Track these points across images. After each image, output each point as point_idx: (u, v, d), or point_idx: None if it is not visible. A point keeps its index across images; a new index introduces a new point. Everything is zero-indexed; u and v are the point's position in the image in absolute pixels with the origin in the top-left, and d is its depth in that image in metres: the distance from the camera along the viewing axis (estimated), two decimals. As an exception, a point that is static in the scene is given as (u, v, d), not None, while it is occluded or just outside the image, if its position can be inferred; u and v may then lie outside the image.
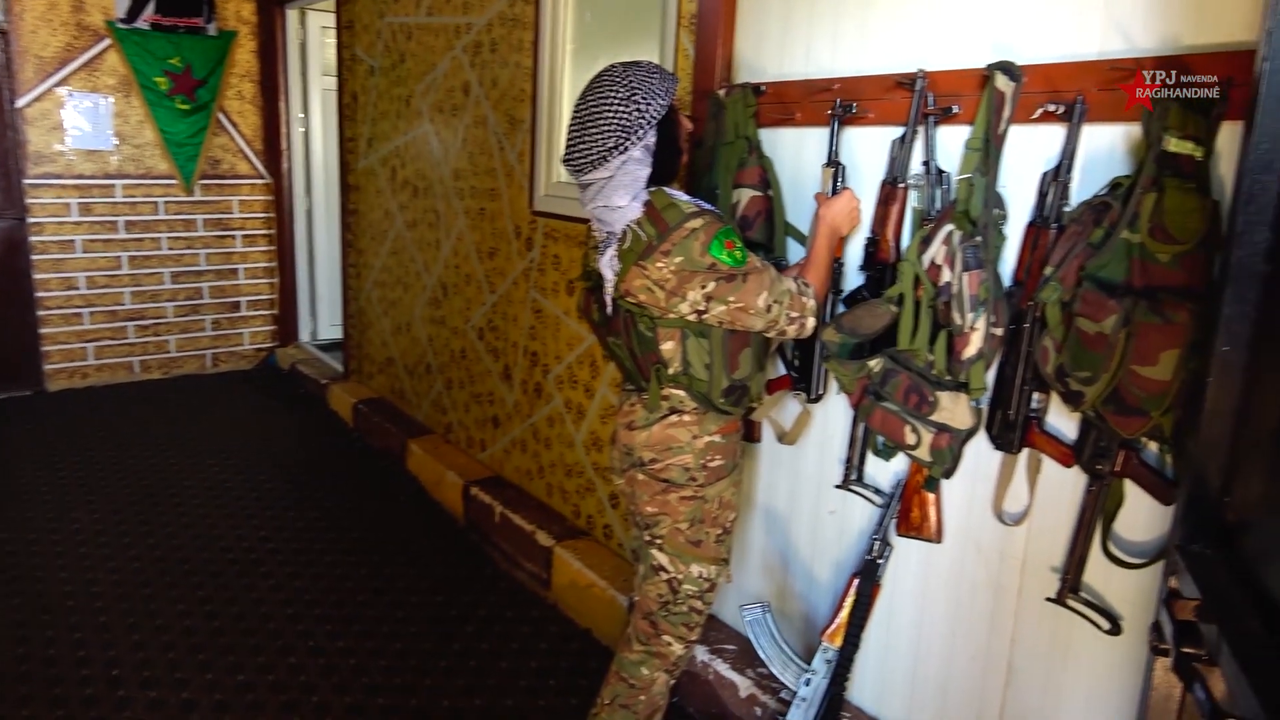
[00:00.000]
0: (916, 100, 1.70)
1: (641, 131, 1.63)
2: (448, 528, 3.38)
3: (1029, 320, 1.54)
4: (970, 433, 1.63)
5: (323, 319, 5.51)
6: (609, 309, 1.79)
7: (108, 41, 4.67)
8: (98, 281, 4.87)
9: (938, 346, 1.62)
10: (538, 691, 2.39)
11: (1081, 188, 1.51)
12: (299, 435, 4.35)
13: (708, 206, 1.69)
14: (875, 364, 1.71)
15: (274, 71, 5.10)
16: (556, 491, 3.08)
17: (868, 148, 1.87)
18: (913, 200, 1.76)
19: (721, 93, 2.05)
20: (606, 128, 1.62)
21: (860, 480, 1.95)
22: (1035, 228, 1.55)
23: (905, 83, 1.73)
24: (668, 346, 1.72)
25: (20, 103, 4.51)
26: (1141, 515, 1.49)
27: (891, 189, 1.77)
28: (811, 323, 1.72)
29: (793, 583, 2.18)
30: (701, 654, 2.25)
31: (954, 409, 1.62)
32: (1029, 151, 1.58)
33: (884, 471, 1.93)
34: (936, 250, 1.61)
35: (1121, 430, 1.40)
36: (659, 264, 1.62)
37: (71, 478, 3.68)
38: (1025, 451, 1.63)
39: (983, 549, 1.74)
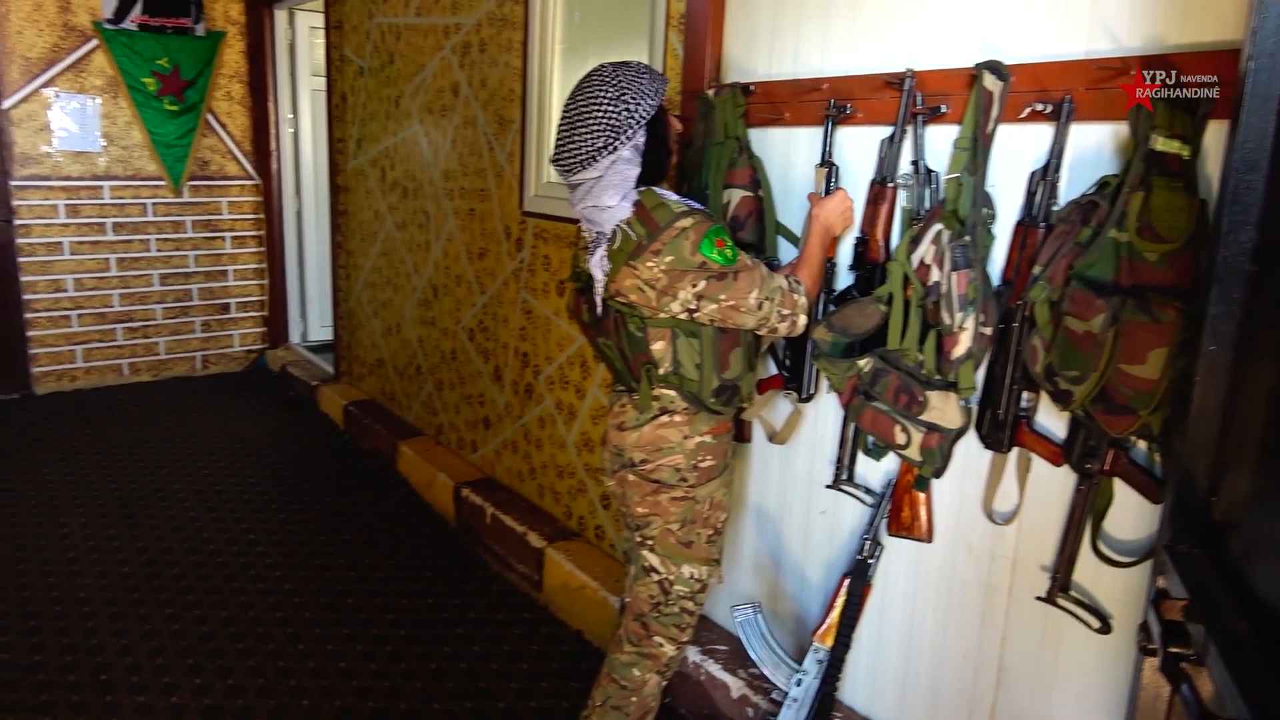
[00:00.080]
0: (905, 100, 1.70)
1: (631, 131, 1.63)
2: (439, 530, 3.37)
3: (1018, 319, 1.54)
4: (960, 432, 1.63)
5: (313, 320, 5.50)
6: (599, 309, 1.79)
7: (95, 42, 4.64)
8: (86, 284, 4.84)
9: (927, 346, 1.63)
10: (529, 694, 2.38)
11: (1069, 187, 1.51)
12: (289, 437, 4.33)
13: (697, 206, 1.69)
14: (865, 363, 1.71)
15: (263, 72, 5.07)
16: (548, 493, 3.08)
17: (856, 147, 1.87)
18: (901, 200, 1.76)
19: (710, 93, 2.05)
20: (596, 128, 1.62)
21: (851, 480, 1.95)
22: (1023, 227, 1.55)
23: (894, 82, 1.72)
24: (658, 346, 1.71)
25: (6, 104, 4.48)
26: (1131, 514, 1.49)
27: (880, 188, 1.77)
28: (803, 320, 1.72)
29: (784, 583, 2.18)
30: (693, 655, 2.25)
31: (944, 408, 1.61)
32: (1017, 151, 1.58)
33: (875, 471, 1.93)
34: (925, 250, 1.61)
35: (1110, 429, 1.40)
36: (649, 264, 1.62)
37: (59, 481, 3.66)
38: (1015, 450, 1.63)
39: (973, 548, 1.74)
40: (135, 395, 4.88)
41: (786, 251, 2.02)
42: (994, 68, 1.53)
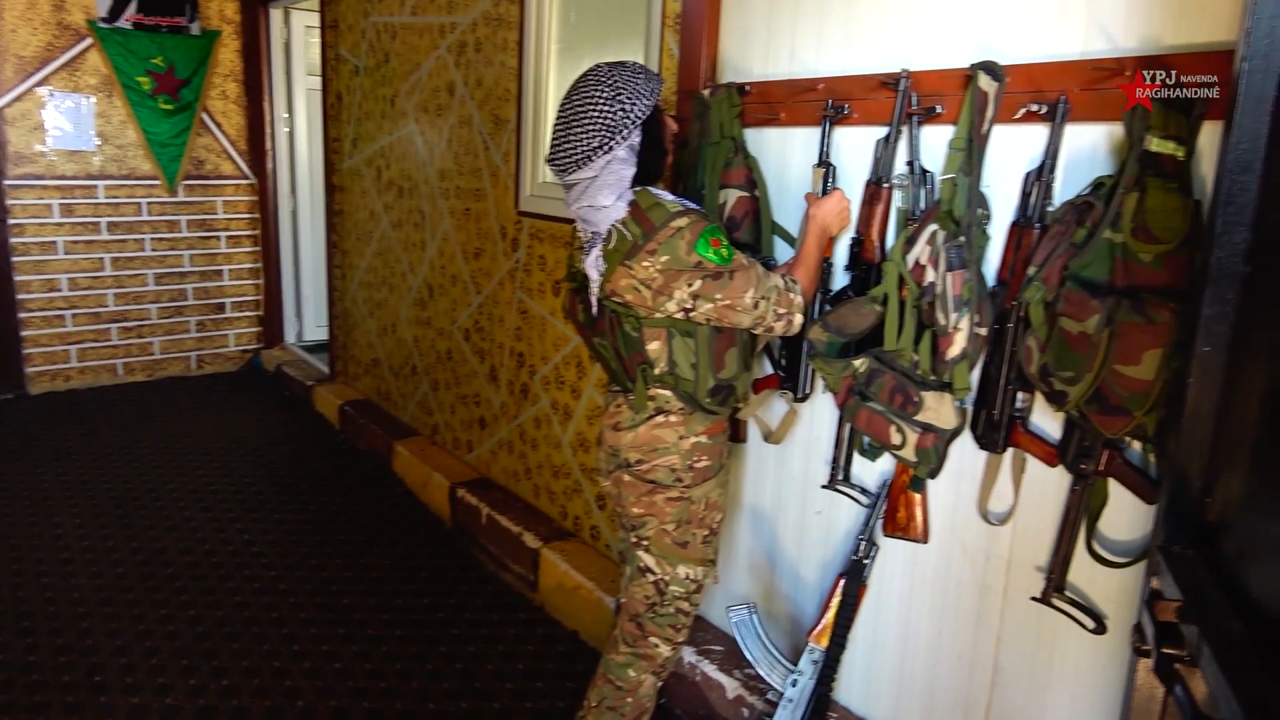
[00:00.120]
0: (900, 100, 1.70)
1: (626, 131, 1.63)
2: (434, 530, 3.36)
3: (1013, 320, 1.54)
4: (955, 433, 1.63)
5: (308, 320, 5.49)
6: (594, 310, 1.79)
7: (89, 41, 4.63)
8: (80, 283, 4.83)
9: (922, 346, 1.63)
10: (524, 694, 2.38)
11: (1064, 187, 1.51)
12: (284, 437, 4.32)
13: (693, 206, 1.68)
14: (860, 364, 1.71)
15: (258, 71, 5.06)
16: (544, 493, 3.07)
17: (851, 147, 1.87)
18: (897, 200, 1.76)
19: (706, 93, 2.05)
20: (591, 127, 1.62)
21: (846, 480, 1.95)
22: (1019, 227, 1.55)
23: (889, 83, 1.72)
24: (653, 346, 1.71)
25: (0, 103, 4.46)
26: (1125, 514, 1.50)
27: (876, 189, 1.77)
28: (799, 319, 1.72)
29: (779, 583, 2.18)
30: (689, 655, 2.25)
31: (939, 409, 1.62)
32: (1012, 151, 1.58)
33: (870, 472, 1.93)
34: (921, 250, 1.61)
35: (1105, 430, 1.40)
36: (645, 263, 1.62)
37: (54, 481, 3.65)
38: (1010, 451, 1.63)
39: (968, 549, 1.74)
40: (130, 395, 4.87)
41: (783, 252, 2.02)
42: (989, 68, 1.53)
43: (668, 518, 1.79)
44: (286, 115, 5.21)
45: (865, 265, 1.81)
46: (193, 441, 4.18)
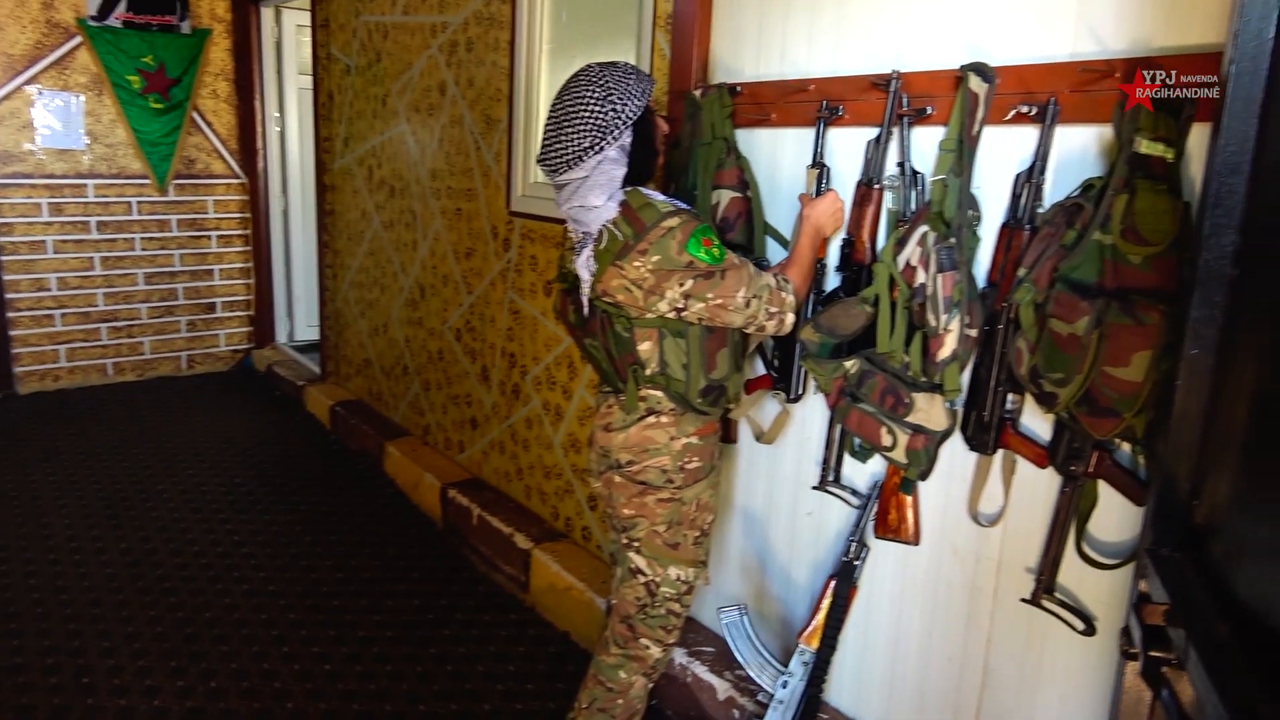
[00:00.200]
0: (891, 101, 1.70)
1: (617, 132, 1.63)
2: (425, 530, 3.35)
3: (1003, 322, 1.54)
4: (945, 434, 1.63)
5: (299, 320, 5.46)
6: (586, 310, 1.78)
7: (79, 39, 4.60)
8: (70, 283, 4.80)
9: (913, 348, 1.63)
10: (515, 695, 2.37)
11: (1054, 189, 1.51)
12: (275, 438, 4.30)
13: (684, 206, 1.68)
14: (851, 365, 1.71)
15: (249, 70, 5.04)
16: (535, 494, 3.07)
17: (842, 148, 1.87)
18: (888, 201, 1.76)
19: (698, 93, 2.04)
20: (582, 128, 1.62)
21: (837, 482, 1.95)
22: (1009, 229, 1.55)
23: (880, 84, 1.72)
24: (645, 347, 1.71)
25: (-11, 101, 4.44)
26: (1115, 516, 1.50)
27: (867, 190, 1.77)
28: (790, 319, 1.72)
29: (770, 585, 2.18)
30: (680, 656, 2.25)
31: (929, 410, 1.61)
32: (1002, 153, 1.58)
33: (861, 473, 1.93)
34: (911, 252, 1.61)
35: (1094, 431, 1.40)
36: (636, 263, 1.61)
37: (42, 481, 3.63)
38: (1000, 453, 1.63)
39: (959, 550, 1.74)
40: (119, 395, 4.84)
41: (775, 253, 2.02)
42: (979, 69, 1.53)
43: (659, 519, 1.79)
44: (278, 114, 5.18)
45: (856, 266, 1.81)
46: (183, 442, 4.16)
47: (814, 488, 1.98)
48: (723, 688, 2.14)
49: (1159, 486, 1.00)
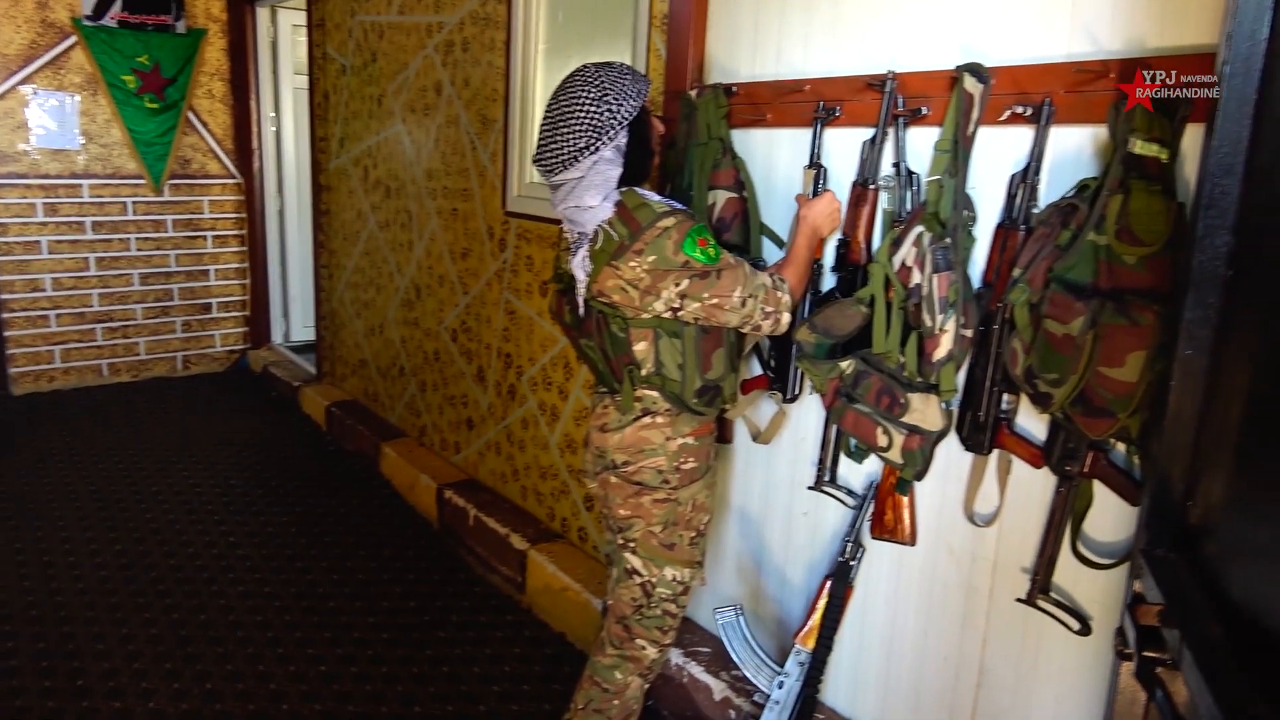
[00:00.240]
0: (886, 102, 1.70)
1: (613, 132, 1.63)
2: (421, 532, 3.35)
3: (998, 322, 1.54)
4: (941, 434, 1.63)
5: (295, 321, 5.45)
6: (581, 310, 1.78)
7: (74, 39, 4.59)
8: (64, 283, 4.79)
9: (909, 348, 1.62)
10: (511, 697, 2.37)
11: (1049, 189, 1.51)
12: (271, 439, 4.29)
13: (679, 206, 1.68)
14: (847, 365, 1.71)
15: (244, 70, 5.03)
16: (531, 494, 3.07)
17: (838, 149, 1.87)
18: (883, 202, 1.76)
19: (693, 93, 2.04)
20: (578, 128, 1.62)
21: (833, 482, 1.95)
22: (1004, 229, 1.55)
23: (875, 84, 1.72)
24: (640, 347, 1.71)
25: (-17, 101, 4.43)
26: (1110, 516, 1.50)
27: (862, 190, 1.77)
28: (786, 318, 1.72)
29: (766, 585, 2.18)
30: (676, 657, 2.25)
31: (925, 411, 1.61)
32: (997, 153, 1.58)
33: (857, 473, 1.93)
34: (907, 252, 1.61)
35: (1089, 432, 1.40)
36: (632, 263, 1.61)
37: (37, 483, 3.62)
38: (995, 453, 1.63)
39: (954, 550, 1.75)
40: (115, 396, 4.83)
41: (771, 253, 2.02)
42: (974, 70, 1.53)
43: (654, 519, 1.79)
44: (273, 114, 5.18)
45: (851, 267, 1.81)
46: (178, 443, 4.15)
47: (810, 488, 1.98)
48: (719, 688, 2.14)
49: (1153, 487, 1.00)
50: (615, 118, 1.62)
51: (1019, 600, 1.61)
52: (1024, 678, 1.65)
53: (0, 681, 2.33)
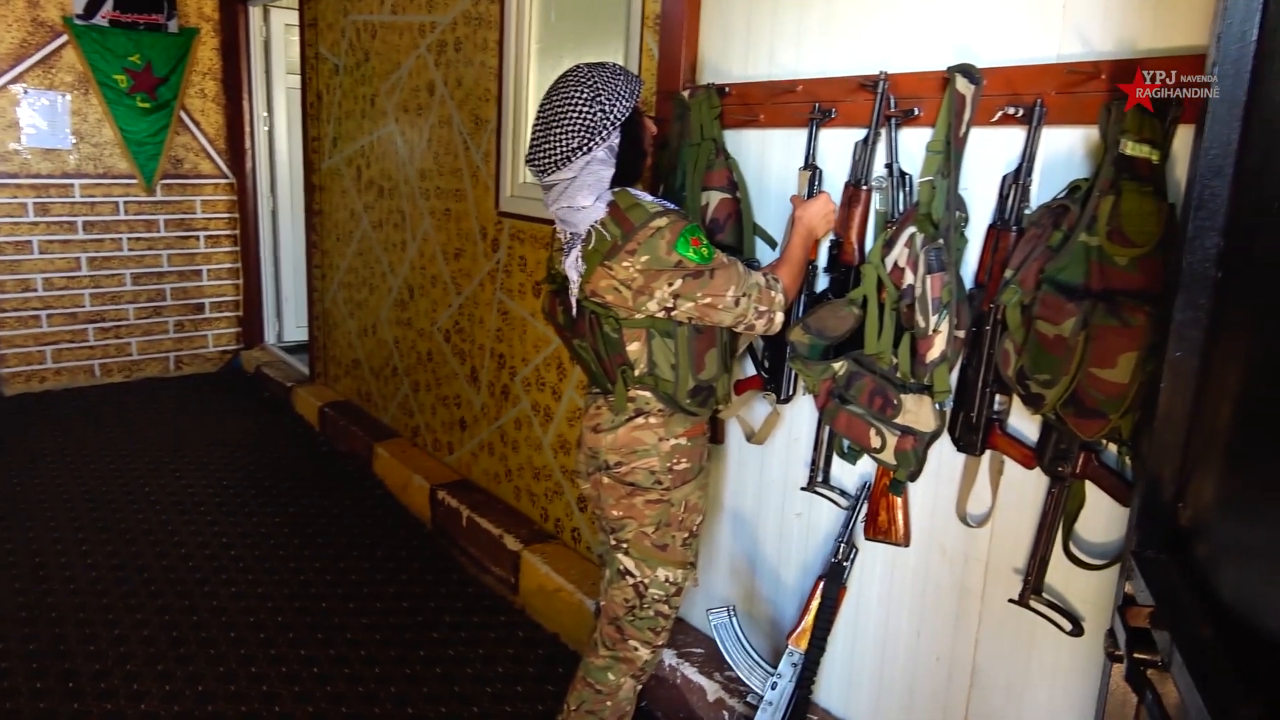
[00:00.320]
0: (879, 102, 1.70)
1: (605, 132, 1.62)
2: (415, 532, 3.34)
3: (990, 323, 1.54)
4: (934, 435, 1.63)
5: (288, 321, 5.44)
6: (574, 311, 1.78)
7: (65, 38, 4.57)
8: (56, 283, 4.77)
9: (901, 349, 1.63)
10: (504, 698, 2.37)
11: (1041, 190, 1.51)
12: (263, 439, 4.28)
13: (672, 206, 1.68)
14: (840, 366, 1.71)
15: (237, 69, 5.02)
16: (524, 495, 3.06)
17: (830, 149, 1.87)
18: (876, 203, 1.76)
19: (686, 94, 2.04)
20: (570, 128, 1.61)
21: (826, 483, 1.95)
22: (996, 230, 1.55)
23: (868, 85, 1.72)
24: (633, 348, 1.71)
25: (-27, 100, 4.40)
26: (1102, 517, 1.50)
27: (855, 191, 1.77)
28: (780, 318, 1.72)
29: (759, 586, 2.18)
30: (669, 658, 2.24)
31: (918, 411, 1.62)
32: (989, 154, 1.58)
33: (850, 474, 1.93)
34: (899, 253, 1.61)
35: (1081, 432, 1.41)
36: (625, 263, 1.61)
37: (27, 484, 3.60)
38: (988, 454, 1.63)
39: (947, 551, 1.75)
40: (107, 396, 4.81)
41: (764, 254, 2.01)
42: (966, 71, 1.53)
43: (647, 520, 1.79)
44: (266, 114, 5.16)
45: (844, 267, 1.81)
46: (170, 443, 4.13)
47: (803, 489, 1.98)
48: (712, 689, 2.14)
49: (1144, 488, 1.00)
50: (608, 118, 1.62)
51: (1011, 601, 1.61)
52: (1016, 678, 1.65)
53: (-10, 684, 2.32)
